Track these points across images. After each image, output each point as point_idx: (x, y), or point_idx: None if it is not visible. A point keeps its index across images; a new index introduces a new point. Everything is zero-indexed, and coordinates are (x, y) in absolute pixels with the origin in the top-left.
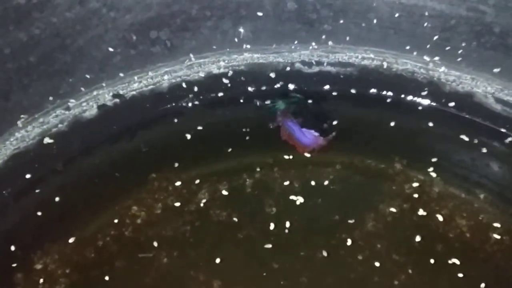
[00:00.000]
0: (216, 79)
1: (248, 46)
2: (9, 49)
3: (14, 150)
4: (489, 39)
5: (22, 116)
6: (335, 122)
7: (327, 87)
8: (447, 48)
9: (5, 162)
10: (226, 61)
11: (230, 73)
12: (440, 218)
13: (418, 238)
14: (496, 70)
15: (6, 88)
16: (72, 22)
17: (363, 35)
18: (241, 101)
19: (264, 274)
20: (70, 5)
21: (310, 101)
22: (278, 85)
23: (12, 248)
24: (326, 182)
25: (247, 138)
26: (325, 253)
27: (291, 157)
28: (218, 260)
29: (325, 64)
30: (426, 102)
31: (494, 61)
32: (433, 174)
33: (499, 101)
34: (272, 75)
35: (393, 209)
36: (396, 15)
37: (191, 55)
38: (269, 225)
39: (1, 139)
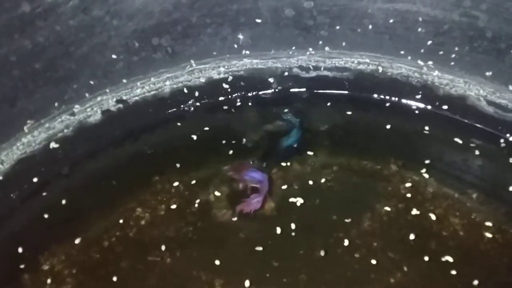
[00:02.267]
0: (216, 84)
1: (247, 52)
2: (15, 56)
3: (21, 155)
4: (481, 43)
5: (28, 121)
6: (332, 125)
7: (324, 91)
8: (441, 53)
9: (12, 167)
10: (226, 67)
11: (230, 78)
12: (434, 217)
13: (412, 237)
14: (488, 73)
15: (12, 95)
16: (76, 30)
17: (358, 41)
18: (241, 105)
19: (265, 272)
20: (73, 13)
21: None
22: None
23: (20, 250)
24: (323, 183)
25: (247, 141)
26: (323, 252)
27: (289, 159)
28: (220, 260)
29: (322, 69)
30: (420, 105)
31: (486, 65)
32: (427, 175)
33: (492, 104)
34: (271, 80)
35: (388, 209)
36: (391, 21)
37: (192, 61)
38: (269, 225)
39: (8, 144)
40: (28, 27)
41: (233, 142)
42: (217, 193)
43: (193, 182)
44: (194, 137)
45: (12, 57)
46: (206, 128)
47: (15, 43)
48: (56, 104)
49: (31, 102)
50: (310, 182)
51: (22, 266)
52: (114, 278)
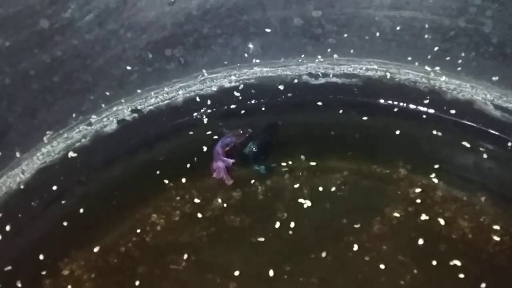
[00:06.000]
0: (227, 93)
1: (258, 61)
2: (34, 70)
3: (41, 165)
4: (487, 49)
5: (47, 132)
6: (342, 130)
7: (333, 97)
8: (447, 58)
9: (33, 176)
10: (237, 75)
11: (241, 86)
12: (443, 221)
13: (421, 241)
14: (494, 78)
15: (32, 107)
16: (92, 43)
17: (366, 48)
18: (252, 112)
19: (277, 275)
20: (89, 28)
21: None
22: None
23: (41, 256)
24: (333, 188)
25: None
26: (333, 255)
27: (300, 164)
28: (233, 263)
29: (331, 75)
30: (428, 110)
31: (492, 70)
32: (436, 179)
33: (498, 108)
34: (281, 87)
35: (397, 213)
36: (398, 28)
37: (204, 71)
38: (280, 230)
39: (29, 155)
40: (47, 42)
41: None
42: (229, 199)
43: (206, 188)
44: (207, 144)
45: (32, 71)
46: (218, 136)
47: (35, 57)
48: (74, 115)
49: (50, 114)
50: (320, 187)
51: (43, 272)
52: (132, 283)
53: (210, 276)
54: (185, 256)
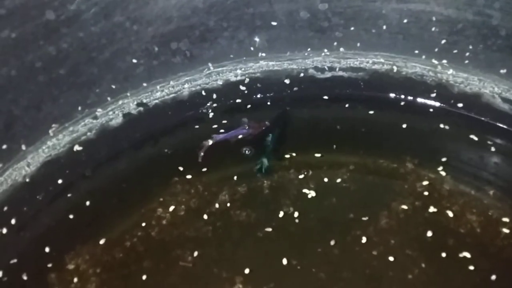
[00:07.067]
0: (233, 86)
1: (264, 54)
2: (40, 62)
3: (46, 158)
4: (495, 41)
5: (53, 125)
6: (348, 124)
7: (339, 91)
8: (455, 51)
9: (38, 169)
10: (243, 69)
11: (247, 80)
12: (451, 214)
13: (430, 234)
14: (502, 71)
15: (38, 100)
16: (98, 36)
17: (373, 41)
18: (258, 106)
19: (284, 269)
20: (95, 20)
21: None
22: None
23: (47, 249)
24: (340, 182)
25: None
26: (341, 250)
27: (306, 159)
28: (239, 258)
29: (337, 69)
30: (435, 103)
31: (500, 63)
32: (444, 173)
33: (506, 101)
34: (287, 81)
35: (405, 207)
36: (405, 21)
37: (210, 64)
38: (286, 224)
39: (34, 148)
40: (53, 34)
41: (250, 142)
42: (234, 193)
43: (212, 182)
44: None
45: (38, 63)
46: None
47: (41, 49)
48: (79, 108)
49: (55, 106)
50: (327, 182)
51: (49, 265)
52: (137, 277)
53: (216, 271)
54: (191, 251)
